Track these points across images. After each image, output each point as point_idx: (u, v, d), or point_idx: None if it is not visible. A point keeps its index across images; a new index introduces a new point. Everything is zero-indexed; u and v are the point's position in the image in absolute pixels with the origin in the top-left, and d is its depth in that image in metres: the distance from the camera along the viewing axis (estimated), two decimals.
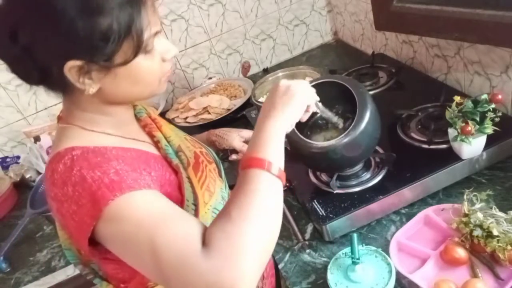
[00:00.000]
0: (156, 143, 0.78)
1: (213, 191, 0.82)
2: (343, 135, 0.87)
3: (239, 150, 1.00)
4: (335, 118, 0.90)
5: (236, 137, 1.01)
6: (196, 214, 0.75)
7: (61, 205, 0.61)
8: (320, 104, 0.84)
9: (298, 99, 0.73)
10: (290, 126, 0.72)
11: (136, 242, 0.58)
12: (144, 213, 0.59)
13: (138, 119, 0.82)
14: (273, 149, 0.66)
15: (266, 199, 0.61)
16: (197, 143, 0.93)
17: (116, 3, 0.58)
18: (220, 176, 0.92)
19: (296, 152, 0.95)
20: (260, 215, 0.59)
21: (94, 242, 0.63)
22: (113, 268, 0.71)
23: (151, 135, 0.79)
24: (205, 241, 0.57)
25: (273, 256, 0.98)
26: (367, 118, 0.87)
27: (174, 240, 0.57)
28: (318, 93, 0.97)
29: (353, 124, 0.87)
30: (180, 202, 0.74)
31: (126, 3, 0.58)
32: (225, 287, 0.53)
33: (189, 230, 0.59)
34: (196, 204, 0.75)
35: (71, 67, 0.60)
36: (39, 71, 0.62)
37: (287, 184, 1.07)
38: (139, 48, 0.62)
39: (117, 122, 0.72)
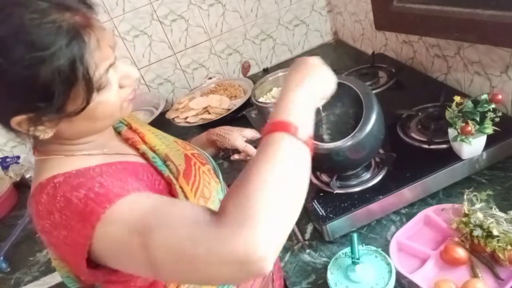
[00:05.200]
0: (143, 155, 0.76)
1: (208, 196, 0.80)
2: (348, 137, 0.87)
3: (242, 150, 1.00)
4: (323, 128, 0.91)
5: (238, 137, 1.01)
6: None
7: (50, 235, 0.58)
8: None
9: (330, 77, 0.69)
10: (319, 100, 0.67)
11: (132, 240, 0.53)
12: (138, 213, 0.55)
13: (118, 133, 0.79)
14: (302, 114, 0.60)
15: (286, 162, 0.54)
16: (188, 145, 0.91)
17: (55, 55, 0.52)
18: (217, 177, 0.91)
19: None
20: (279, 179, 0.52)
21: (93, 264, 0.59)
22: None
23: (135, 148, 0.76)
24: (218, 210, 0.53)
25: (280, 258, 0.98)
26: (373, 120, 0.87)
27: (173, 222, 0.52)
28: None
29: (359, 126, 0.87)
30: None
31: (65, 52, 0.53)
32: (239, 255, 0.47)
33: (188, 209, 0.55)
34: None
35: (18, 122, 0.56)
36: None
37: None
38: (90, 93, 0.57)
39: (95, 144, 0.69)
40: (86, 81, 0.56)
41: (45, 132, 0.59)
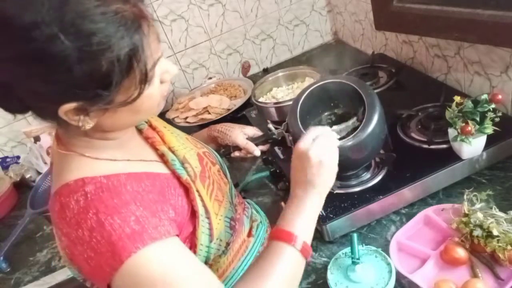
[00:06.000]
0: (161, 157, 0.77)
1: (222, 199, 0.81)
2: (350, 137, 0.87)
3: (243, 147, 1.00)
4: (349, 123, 0.94)
5: (239, 134, 1.00)
6: (210, 226, 0.75)
7: (73, 246, 0.59)
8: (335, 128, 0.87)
9: (333, 171, 0.76)
10: (324, 195, 0.76)
11: None
12: (164, 269, 0.60)
13: (139, 130, 0.80)
14: (304, 224, 0.71)
15: (285, 272, 0.67)
16: (199, 143, 0.92)
17: (117, 43, 0.53)
18: (226, 177, 0.91)
19: None
20: (277, 286, 0.65)
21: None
22: None
23: (154, 148, 0.78)
24: None
25: None
26: (375, 121, 0.87)
27: None
28: (322, 94, 0.97)
29: (361, 126, 0.87)
30: (194, 217, 0.73)
31: (127, 41, 0.54)
32: None
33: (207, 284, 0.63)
34: (208, 218, 0.75)
35: (67, 110, 0.56)
36: (27, 108, 0.59)
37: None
38: (143, 84, 0.58)
39: (119, 142, 0.70)
40: (141, 72, 0.57)
41: (87, 123, 0.59)
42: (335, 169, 0.76)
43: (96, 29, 0.52)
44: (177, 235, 0.66)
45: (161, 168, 0.75)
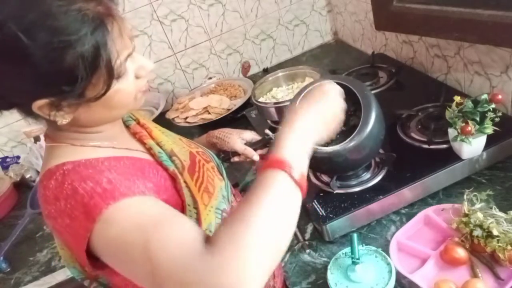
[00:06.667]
0: (149, 150, 0.77)
1: (212, 192, 0.81)
2: (347, 140, 0.86)
3: (241, 153, 1.00)
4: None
5: (237, 140, 1.01)
6: (198, 217, 0.74)
7: (55, 221, 0.60)
8: None
9: (337, 112, 0.75)
10: (321, 135, 0.70)
11: (129, 247, 0.55)
12: (137, 218, 0.57)
13: (126, 126, 0.81)
14: (297, 153, 0.63)
15: (279, 201, 0.58)
16: (193, 143, 0.92)
17: (80, 41, 0.54)
18: (221, 174, 0.91)
19: None
20: (271, 217, 0.56)
21: (94, 257, 0.60)
22: (123, 280, 0.66)
23: (142, 143, 0.78)
24: (210, 240, 0.54)
25: None
26: (372, 122, 0.86)
27: (170, 242, 0.54)
28: None
29: (358, 128, 0.86)
30: (181, 206, 0.73)
31: (90, 38, 0.55)
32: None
33: (186, 232, 0.56)
34: (196, 208, 0.74)
35: (39, 106, 0.58)
36: (7, 104, 0.61)
37: None
38: (110, 80, 0.59)
39: (106, 135, 0.70)
40: (107, 67, 0.58)
41: (63, 118, 0.61)
42: (333, 116, 0.74)
43: (58, 27, 0.53)
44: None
45: (146, 156, 0.75)
